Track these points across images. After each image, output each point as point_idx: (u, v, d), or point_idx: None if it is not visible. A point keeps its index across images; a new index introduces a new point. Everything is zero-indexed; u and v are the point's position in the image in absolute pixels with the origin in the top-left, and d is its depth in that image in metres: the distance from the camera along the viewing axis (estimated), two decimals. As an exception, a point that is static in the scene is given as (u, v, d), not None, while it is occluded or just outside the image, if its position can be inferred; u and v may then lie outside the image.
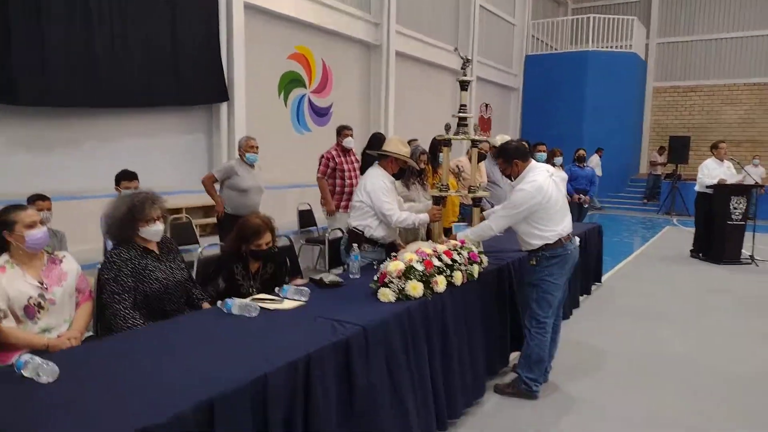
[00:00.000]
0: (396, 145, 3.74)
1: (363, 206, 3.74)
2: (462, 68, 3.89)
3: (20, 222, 2.54)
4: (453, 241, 3.44)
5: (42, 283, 2.60)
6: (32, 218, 2.57)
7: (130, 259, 2.80)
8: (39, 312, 2.57)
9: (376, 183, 3.69)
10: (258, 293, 3.09)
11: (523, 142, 3.78)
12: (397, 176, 3.86)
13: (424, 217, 3.77)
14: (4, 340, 2.43)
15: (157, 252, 2.95)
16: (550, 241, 3.38)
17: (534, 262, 3.44)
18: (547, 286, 3.42)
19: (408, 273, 2.89)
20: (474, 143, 3.93)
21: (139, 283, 2.79)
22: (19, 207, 2.63)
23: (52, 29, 5.12)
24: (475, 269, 3.33)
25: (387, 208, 3.65)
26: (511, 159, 3.42)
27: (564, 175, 8.22)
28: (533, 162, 3.48)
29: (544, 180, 3.36)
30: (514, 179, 3.46)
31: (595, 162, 14.31)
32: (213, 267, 3.22)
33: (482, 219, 3.85)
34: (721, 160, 8.06)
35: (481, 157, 5.06)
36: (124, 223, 2.84)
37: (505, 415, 3.30)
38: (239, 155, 5.31)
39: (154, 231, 2.88)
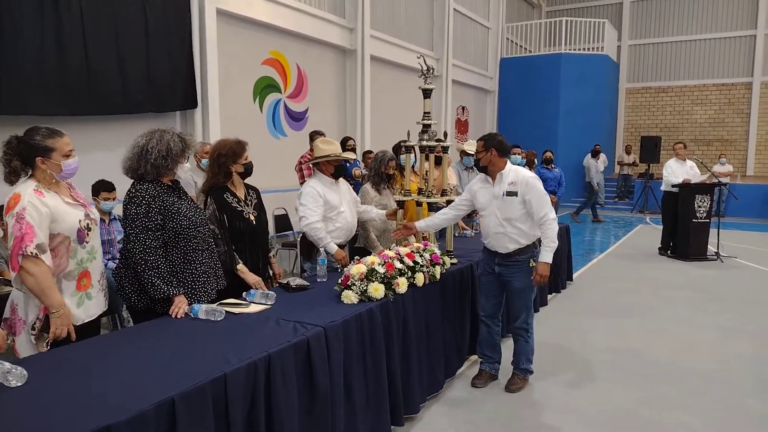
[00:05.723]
0: (321, 149, 3.86)
1: None
2: (424, 75, 4.02)
3: (58, 150, 2.45)
4: (416, 244, 3.57)
5: (82, 204, 2.53)
6: (70, 147, 2.48)
7: (158, 196, 2.69)
8: (88, 234, 2.50)
9: (305, 190, 3.82)
10: (255, 220, 3.31)
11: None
12: (336, 175, 3.90)
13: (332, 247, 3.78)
14: (36, 283, 2.29)
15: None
16: (539, 234, 3.53)
17: (533, 264, 3.52)
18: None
19: (370, 275, 3.01)
20: (431, 149, 4.01)
21: (168, 221, 2.69)
22: (55, 132, 2.49)
23: (23, 38, 5.12)
24: (437, 271, 3.47)
25: (302, 210, 3.78)
26: (490, 146, 3.49)
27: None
28: (510, 164, 3.55)
29: None
30: (482, 165, 3.54)
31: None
32: (208, 207, 3.20)
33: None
34: (683, 160, 8.33)
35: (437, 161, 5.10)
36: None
37: (466, 410, 3.44)
38: (196, 162, 5.19)
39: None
